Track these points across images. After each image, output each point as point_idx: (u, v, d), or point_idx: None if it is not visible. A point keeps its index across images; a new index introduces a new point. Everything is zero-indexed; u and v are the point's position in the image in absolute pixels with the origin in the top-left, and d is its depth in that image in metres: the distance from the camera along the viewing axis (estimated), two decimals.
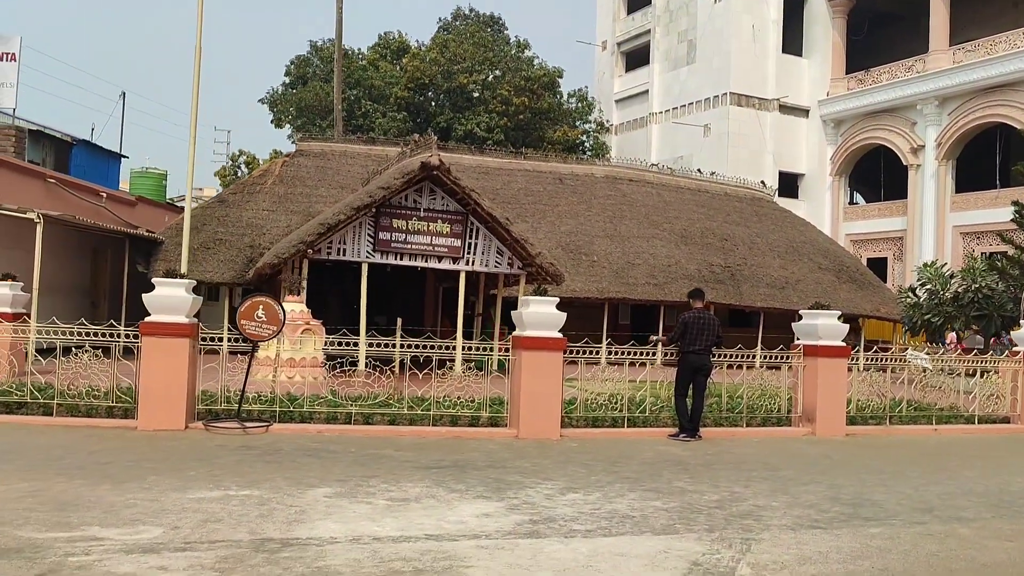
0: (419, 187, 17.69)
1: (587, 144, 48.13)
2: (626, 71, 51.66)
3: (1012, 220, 25.25)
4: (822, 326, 12.35)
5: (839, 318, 12.71)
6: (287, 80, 50.57)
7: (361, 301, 17.41)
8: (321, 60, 49.56)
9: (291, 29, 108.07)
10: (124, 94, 38.21)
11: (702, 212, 28.29)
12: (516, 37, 49.55)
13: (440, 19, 52.85)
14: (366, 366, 12.40)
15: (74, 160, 32.47)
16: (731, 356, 12.03)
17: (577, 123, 47.72)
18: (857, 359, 13.89)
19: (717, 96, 43.82)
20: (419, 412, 10.84)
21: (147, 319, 10.28)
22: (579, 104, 48.82)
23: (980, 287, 25.11)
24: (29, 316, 14.32)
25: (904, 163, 39.92)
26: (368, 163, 24.25)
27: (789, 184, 44.08)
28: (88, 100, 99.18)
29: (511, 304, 18.89)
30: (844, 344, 12.48)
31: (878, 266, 39.31)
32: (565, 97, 48.21)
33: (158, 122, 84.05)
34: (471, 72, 44.30)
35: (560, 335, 11.01)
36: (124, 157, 35.81)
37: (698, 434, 11.45)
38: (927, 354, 15.58)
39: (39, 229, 16.82)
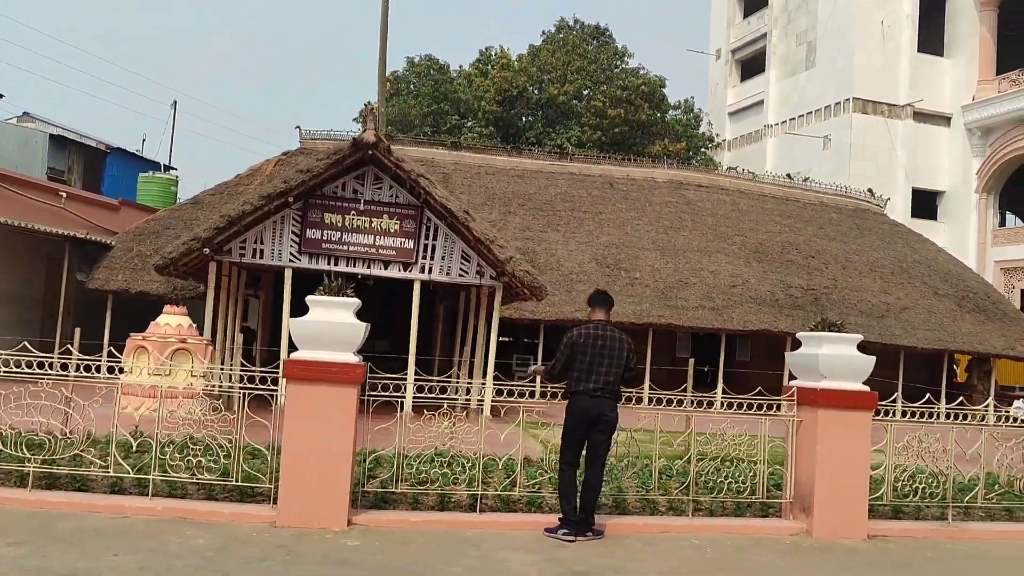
0: (359, 174, 13.93)
1: (695, 160, 43.20)
2: (741, 81, 46.65)
3: None
4: (826, 358, 7.64)
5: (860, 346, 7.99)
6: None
7: (284, 314, 13.72)
8: (416, 76, 47.03)
9: (396, 47, 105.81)
10: (176, 103, 36.26)
11: (786, 224, 23.10)
12: (616, 46, 45.37)
13: (544, 32, 49.28)
14: None
15: (108, 169, 30.68)
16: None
17: (683, 137, 42.89)
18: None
19: (839, 103, 38.23)
20: (134, 476, 6.89)
21: None
22: (685, 116, 44.05)
23: None
24: None
25: None
26: None
27: (926, 203, 37.79)
28: (149, 110, 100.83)
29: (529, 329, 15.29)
30: (865, 389, 7.72)
31: None
32: (670, 110, 43.61)
33: (214, 131, 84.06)
34: (563, 82, 40.58)
35: (356, 360, 6.81)
36: (171, 168, 33.98)
37: (592, 529, 6.95)
38: None
39: None
